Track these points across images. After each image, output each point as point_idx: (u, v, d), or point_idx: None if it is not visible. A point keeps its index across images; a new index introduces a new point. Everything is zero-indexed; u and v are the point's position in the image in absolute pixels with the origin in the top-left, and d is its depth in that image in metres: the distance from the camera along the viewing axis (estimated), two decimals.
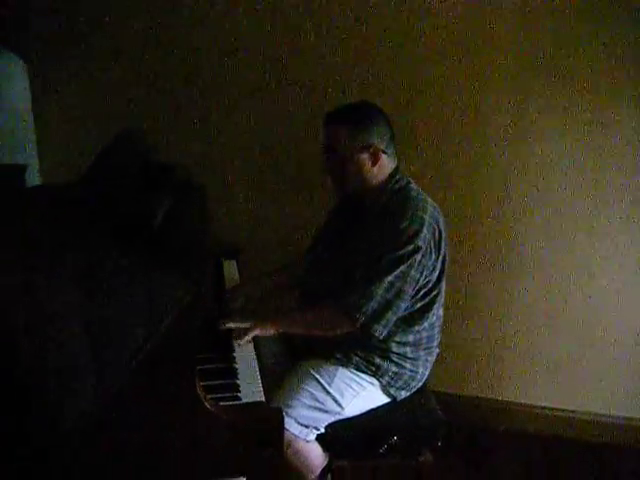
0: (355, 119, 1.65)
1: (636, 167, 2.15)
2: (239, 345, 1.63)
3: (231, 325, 1.66)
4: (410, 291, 1.62)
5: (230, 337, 1.65)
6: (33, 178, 2.46)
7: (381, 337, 1.62)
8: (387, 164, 1.69)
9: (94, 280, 1.40)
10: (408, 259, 1.58)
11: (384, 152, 1.66)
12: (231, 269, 2.09)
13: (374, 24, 2.23)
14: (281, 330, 1.68)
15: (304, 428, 1.62)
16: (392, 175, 1.70)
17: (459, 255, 2.24)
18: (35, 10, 2.45)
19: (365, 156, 1.65)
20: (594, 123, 2.13)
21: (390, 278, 1.58)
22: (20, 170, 2.28)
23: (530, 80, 2.15)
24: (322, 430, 1.67)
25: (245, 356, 1.60)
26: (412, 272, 1.59)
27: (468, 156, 2.26)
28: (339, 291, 1.63)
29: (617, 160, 2.15)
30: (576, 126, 2.15)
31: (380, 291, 1.58)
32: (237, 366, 1.55)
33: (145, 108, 2.45)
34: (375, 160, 1.66)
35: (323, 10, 2.26)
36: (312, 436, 1.65)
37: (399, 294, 1.60)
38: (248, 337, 1.63)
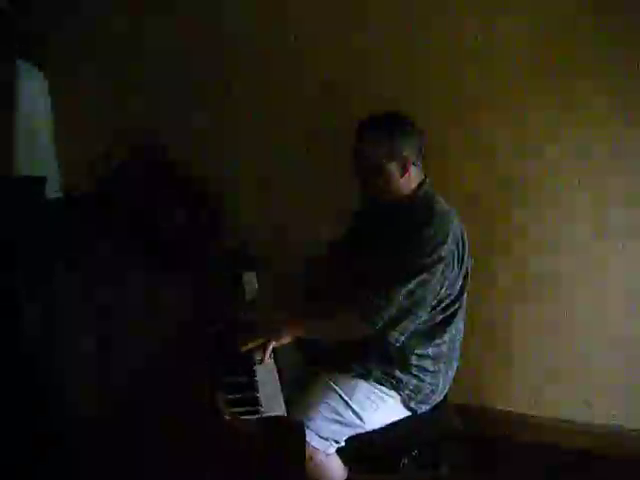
0: (389, 130, 1.66)
1: None
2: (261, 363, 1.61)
3: (249, 347, 1.63)
4: (430, 301, 1.62)
5: (249, 352, 1.63)
6: (53, 189, 2.47)
7: (397, 344, 1.62)
8: (416, 176, 1.69)
9: (109, 291, 1.41)
10: (430, 268, 1.58)
11: (414, 164, 1.67)
12: (252, 280, 2.09)
13: (379, 32, 2.20)
14: (297, 337, 1.67)
15: (324, 441, 1.62)
16: (419, 186, 1.70)
17: None
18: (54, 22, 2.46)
19: (395, 167, 1.66)
20: (604, 123, 2.10)
21: (411, 286, 1.58)
22: (39, 182, 2.29)
23: (537, 81, 2.11)
24: (342, 443, 1.66)
25: (265, 368, 1.60)
26: (433, 282, 1.59)
27: (472, 160, 2.23)
28: (357, 295, 1.63)
29: (625, 162, 2.12)
30: (584, 125, 2.12)
31: (400, 298, 1.58)
32: (257, 379, 1.54)
33: (160, 119, 2.43)
34: (405, 171, 1.66)
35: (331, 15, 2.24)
36: (332, 449, 1.65)
37: (418, 302, 1.59)
38: (267, 355, 1.61)
